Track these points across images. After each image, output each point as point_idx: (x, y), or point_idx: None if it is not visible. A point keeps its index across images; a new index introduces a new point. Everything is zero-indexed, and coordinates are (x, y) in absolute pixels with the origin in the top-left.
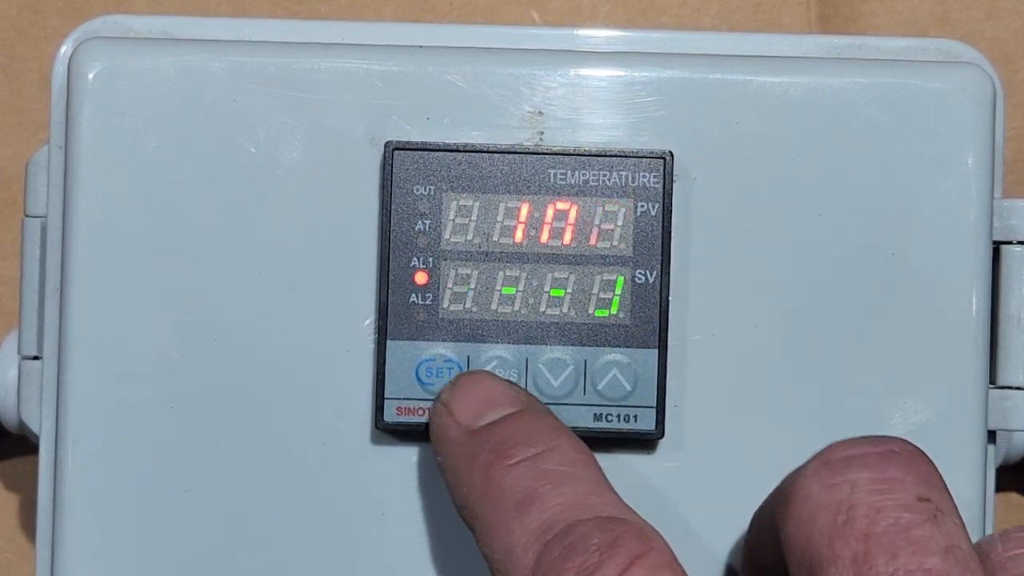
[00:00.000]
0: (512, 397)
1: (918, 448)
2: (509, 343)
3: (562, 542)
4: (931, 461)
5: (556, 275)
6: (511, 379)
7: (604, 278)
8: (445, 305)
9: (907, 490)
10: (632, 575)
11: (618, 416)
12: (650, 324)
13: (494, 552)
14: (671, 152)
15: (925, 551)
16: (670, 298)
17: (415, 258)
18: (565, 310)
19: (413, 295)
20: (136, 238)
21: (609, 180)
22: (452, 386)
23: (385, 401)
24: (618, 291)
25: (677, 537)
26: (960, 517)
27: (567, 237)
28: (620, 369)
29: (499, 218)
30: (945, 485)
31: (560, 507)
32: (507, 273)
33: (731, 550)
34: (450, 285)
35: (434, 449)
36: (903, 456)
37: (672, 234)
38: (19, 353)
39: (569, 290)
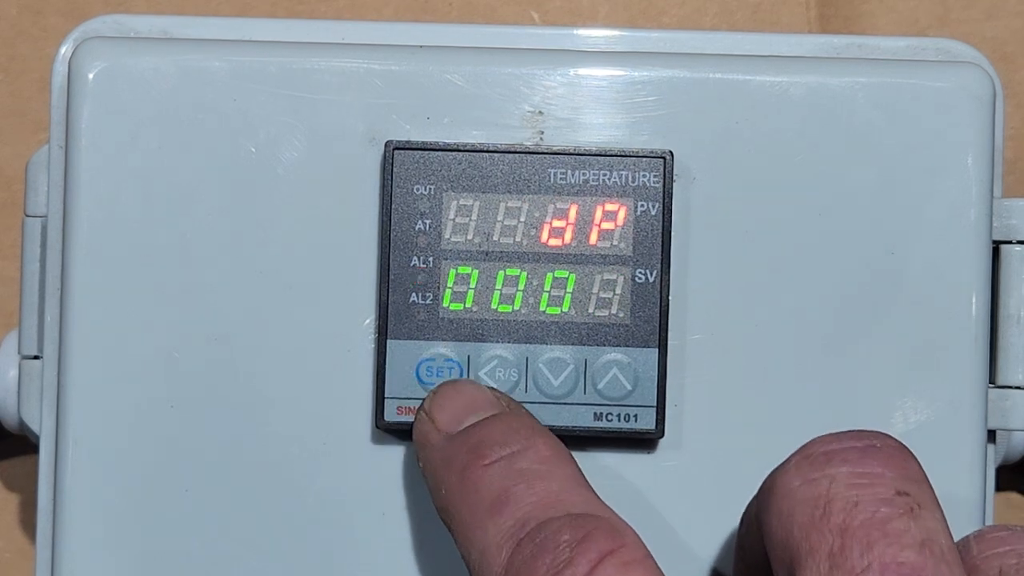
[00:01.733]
0: (492, 402)
1: (900, 443)
2: (509, 342)
3: (533, 540)
4: (913, 456)
5: (556, 274)
6: (511, 378)
7: (604, 277)
8: (445, 304)
9: (886, 484)
10: (603, 571)
11: (618, 415)
12: (650, 323)
13: (471, 552)
14: (671, 152)
15: (900, 544)
16: (670, 297)
17: (415, 257)
18: (565, 309)
19: (413, 294)
20: (136, 237)
21: (609, 180)
22: (434, 395)
23: (385, 400)
24: (618, 291)
25: (676, 536)
26: (941, 512)
27: (567, 237)
28: (620, 368)
29: (499, 217)
30: (927, 479)
31: (533, 505)
32: (507, 272)
33: (730, 549)
34: (450, 284)
35: (417, 456)
36: (884, 451)
37: (672, 233)
38: (19, 353)
39: (569, 289)
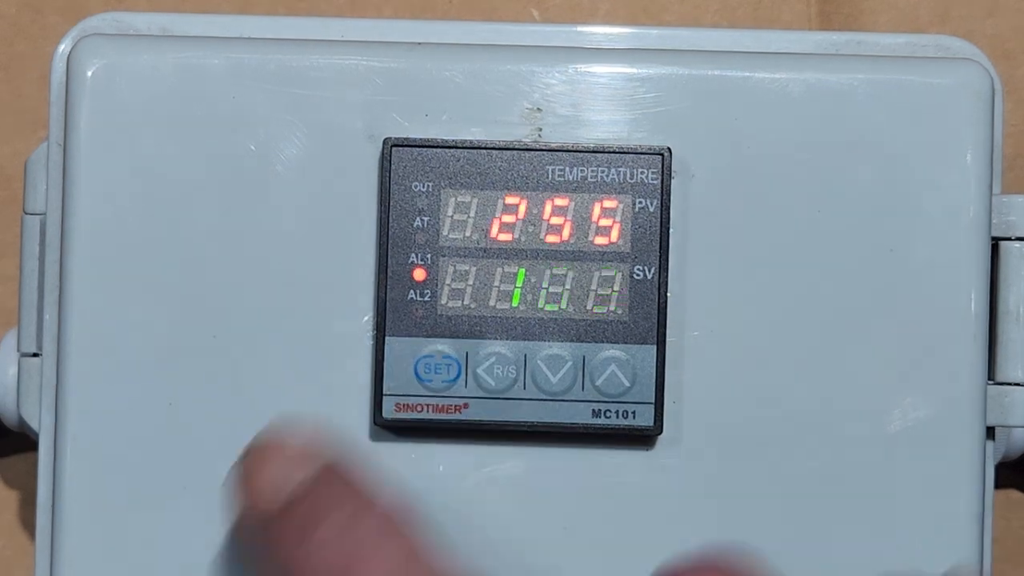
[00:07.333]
0: (301, 459)
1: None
2: (507, 339)
3: None
4: None
5: (554, 271)
6: (510, 375)
7: (602, 274)
8: (443, 301)
9: None
10: None
11: (616, 412)
12: (648, 320)
13: None
14: (669, 148)
15: None
16: (668, 294)
17: (413, 254)
18: (563, 306)
19: (411, 291)
20: (135, 235)
21: (607, 176)
22: (241, 462)
23: (384, 397)
24: (616, 287)
25: (673, 533)
26: None
27: (565, 233)
28: (618, 365)
29: (497, 214)
30: None
31: None
32: (505, 269)
33: (728, 546)
34: (448, 281)
35: (238, 527)
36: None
37: (670, 230)
38: (18, 350)
39: (567, 286)
